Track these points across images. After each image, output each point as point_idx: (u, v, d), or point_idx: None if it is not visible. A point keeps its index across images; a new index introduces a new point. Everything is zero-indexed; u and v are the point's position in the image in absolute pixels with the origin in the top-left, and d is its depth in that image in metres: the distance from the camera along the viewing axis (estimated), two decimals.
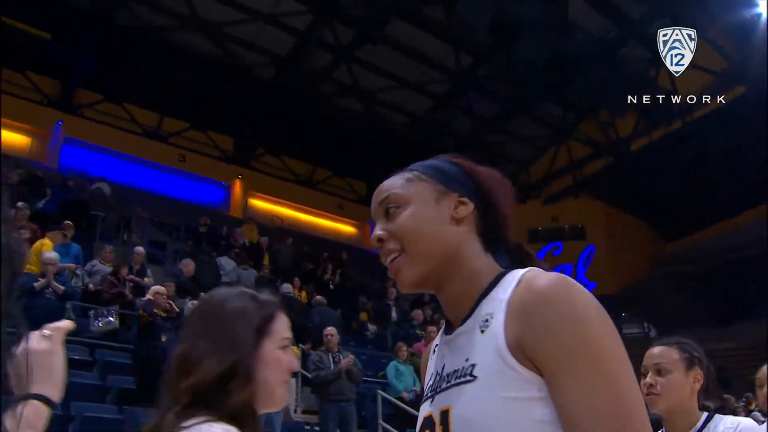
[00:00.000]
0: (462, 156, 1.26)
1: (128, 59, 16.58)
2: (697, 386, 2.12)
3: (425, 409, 1.17)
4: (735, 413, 7.58)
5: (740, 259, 19.69)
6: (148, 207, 16.50)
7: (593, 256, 23.02)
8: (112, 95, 18.67)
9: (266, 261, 14.31)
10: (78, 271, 9.54)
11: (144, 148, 19.33)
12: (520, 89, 18.59)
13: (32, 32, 15.04)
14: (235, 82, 17.53)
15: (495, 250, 1.21)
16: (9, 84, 16.96)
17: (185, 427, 1.16)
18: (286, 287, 12.25)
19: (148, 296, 7.99)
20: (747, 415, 8.82)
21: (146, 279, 10.14)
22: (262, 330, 1.29)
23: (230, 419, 1.17)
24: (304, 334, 10.57)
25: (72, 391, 7.03)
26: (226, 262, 12.75)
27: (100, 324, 8.18)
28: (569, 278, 1.04)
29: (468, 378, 1.06)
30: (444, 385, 1.12)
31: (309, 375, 8.52)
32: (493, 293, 1.10)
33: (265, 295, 1.36)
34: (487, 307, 1.09)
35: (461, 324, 1.14)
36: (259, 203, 21.90)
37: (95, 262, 10.17)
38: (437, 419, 1.11)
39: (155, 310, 7.87)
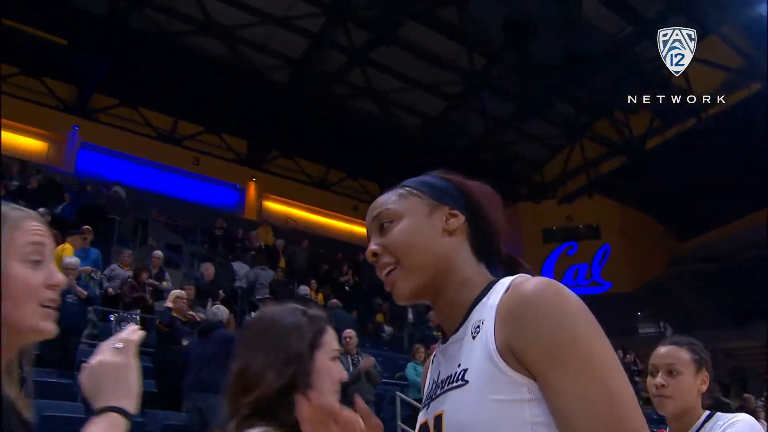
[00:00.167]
0: (452, 171, 1.29)
1: (143, 64, 16.67)
2: (704, 388, 2.13)
3: (421, 417, 1.20)
4: (755, 414, 7.53)
5: (756, 257, 19.52)
6: (163, 210, 16.59)
7: (608, 256, 22.90)
8: (127, 99, 18.78)
9: (282, 263, 14.34)
10: (95, 275, 9.62)
11: (158, 151, 19.42)
12: (534, 89, 18.51)
13: (49, 39, 15.16)
14: (248, 84, 17.56)
15: (489, 261, 1.24)
16: (26, 90, 17.14)
17: None
18: (303, 289, 12.29)
19: (168, 302, 8.02)
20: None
21: (165, 283, 10.21)
22: (314, 343, 1.34)
23: (291, 429, 1.21)
24: None
25: None
26: (239, 267, 12.77)
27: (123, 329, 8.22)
28: (556, 282, 1.06)
29: (460, 383, 1.08)
30: (438, 392, 1.15)
31: None
32: (485, 300, 1.12)
33: (315, 311, 1.41)
34: (478, 313, 1.12)
35: (455, 332, 1.16)
36: (273, 205, 21.94)
37: (114, 266, 10.25)
38: (431, 425, 1.13)
39: (174, 315, 7.92)
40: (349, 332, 8.63)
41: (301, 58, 17.58)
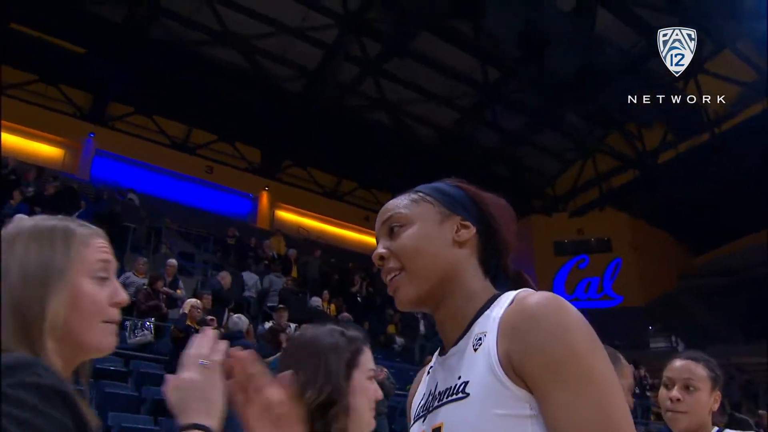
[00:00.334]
0: (467, 181, 1.27)
1: (159, 72, 16.83)
2: (716, 407, 2.11)
3: (416, 429, 1.19)
4: None
5: None
6: (176, 218, 16.65)
7: (620, 269, 22.86)
8: (142, 108, 18.95)
9: (294, 273, 14.35)
10: None
11: (172, 159, 19.57)
12: (547, 102, 18.56)
13: (68, 47, 15.35)
14: (262, 94, 17.68)
15: (495, 276, 1.22)
16: (43, 97, 17.35)
17: None
18: (315, 300, 12.29)
19: (184, 310, 8.08)
20: None
21: (179, 291, 10.25)
22: (351, 362, 1.40)
23: None
24: None
25: (108, 401, 7.15)
26: (248, 277, 12.71)
27: (137, 337, 8.31)
28: (560, 297, 1.06)
29: (460, 395, 1.07)
30: (436, 404, 1.13)
31: None
32: (487, 312, 1.11)
33: (352, 332, 1.46)
34: (480, 326, 1.11)
35: (455, 344, 1.15)
36: (285, 215, 22.03)
37: (129, 274, 10.29)
38: None
39: (188, 323, 7.97)
40: None
41: (315, 69, 17.70)
